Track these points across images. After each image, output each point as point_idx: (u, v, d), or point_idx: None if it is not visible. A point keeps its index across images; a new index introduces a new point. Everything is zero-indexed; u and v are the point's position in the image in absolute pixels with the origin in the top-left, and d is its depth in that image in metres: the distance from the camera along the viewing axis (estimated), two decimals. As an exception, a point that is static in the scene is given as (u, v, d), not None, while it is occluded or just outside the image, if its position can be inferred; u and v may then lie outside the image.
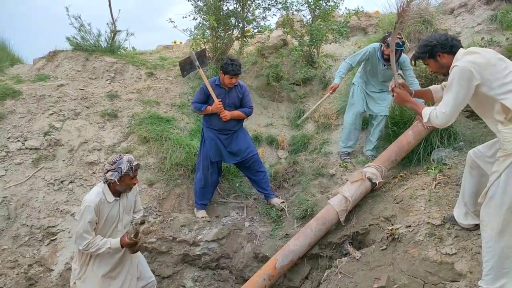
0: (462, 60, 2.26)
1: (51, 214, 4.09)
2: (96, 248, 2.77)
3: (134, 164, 2.84)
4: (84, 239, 2.74)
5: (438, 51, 2.41)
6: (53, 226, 3.99)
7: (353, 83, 4.81)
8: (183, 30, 6.39)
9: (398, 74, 4.72)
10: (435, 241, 2.91)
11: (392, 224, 3.43)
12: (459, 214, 2.87)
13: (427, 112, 2.40)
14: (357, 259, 3.29)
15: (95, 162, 4.76)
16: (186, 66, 4.58)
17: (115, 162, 2.79)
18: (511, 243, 2.10)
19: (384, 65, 4.31)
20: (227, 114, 4.14)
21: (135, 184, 2.92)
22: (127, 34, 7.00)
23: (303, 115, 6.07)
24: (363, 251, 3.35)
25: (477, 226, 2.75)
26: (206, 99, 4.23)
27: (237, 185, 4.93)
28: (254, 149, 4.43)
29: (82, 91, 5.81)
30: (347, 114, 4.86)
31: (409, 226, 3.25)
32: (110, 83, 6.25)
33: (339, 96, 6.04)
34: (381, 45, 4.23)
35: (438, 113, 2.34)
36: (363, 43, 7.26)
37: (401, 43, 4.01)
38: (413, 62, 2.72)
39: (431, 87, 2.89)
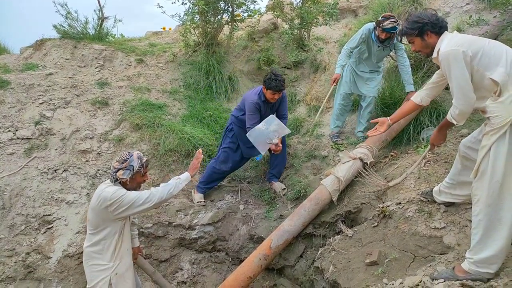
0: (449, 44, 2.27)
1: (46, 203, 4.10)
2: (169, 189, 2.78)
3: (144, 161, 2.77)
4: (145, 194, 2.68)
5: (428, 30, 2.40)
6: (49, 215, 4.01)
7: (339, 58, 4.81)
8: (172, 15, 6.31)
9: (390, 56, 4.76)
10: (424, 217, 2.99)
11: (383, 202, 3.51)
12: (436, 190, 2.98)
13: (448, 116, 2.40)
14: (350, 237, 3.37)
15: (87, 150, 4.75)
16: None
17: (125, 160, 2.68)
18: (500, 215, 2.17)
19: (379, 46, 4.32)
20: (278, 149, 3.98)
21: (145, 181, 2.87)
22: (114, 20, 6.93)
23: (295, 98, 6.11)
24: (356, 229, 3.43)
25: (449, 203, 2.91)
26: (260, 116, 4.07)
27: (231, 169, 4.97)
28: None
29: (71, 79, 5.76)
30: (336, 95, 4.91)
31: (400, 203, 3.33)
32: (99, 71, 6.20)
33: (331, 79, 6.06)
34: (376, 27, 4.22)
35: (453, 112, 2.33)
36: (354, 25, 7.25)
37: (395, 26, 4.02)
38: (399, 38, 2.72)
39: (416, 100, 2.84)
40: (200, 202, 4.36)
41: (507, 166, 2.14)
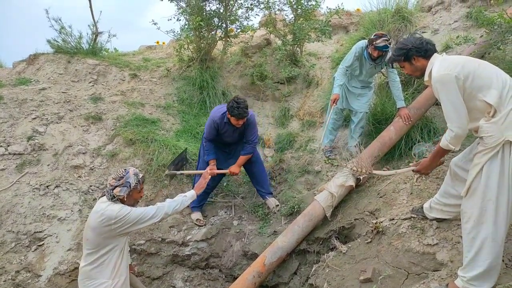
0: (440, 68, 2.32)
1: (38, 220, 4.05)
2: (176, 205, 2.88)
3: (140, 177, 2.80)
4: (151, 210, 2.77)
5: (414, 55, 2.49)
6: (40, 231, 3.96)
7: (334, 78, 4.88)
8: (167, 31, 6.37)
9: (381, 72, 4.84)
10: (417, 233, 3.01)
11: (377, 218, 3.53)
12: (427, 206, 3.01)
13: (443, 143, 2.41)
14: (344, 253, 3.37)
15: (80, 165, 4.73)
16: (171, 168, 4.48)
17: (122, 177, 2.70)
18: (492, 235, 2.19)
19: (371, 64, 4.40)
20: (235, 171, 4.13)
21: (142, 196, 2.89)
22: (109, 35, 6.95)
23: (288, 113, 6.17)
24: (349, 245, 3.44)
25: (440, 219, 2.95)
26: (216, 136, 4.16)
27: (225, 184, 4.97)
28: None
29: (64, 94, 5.75)
30: (328, 110, 4.97)
31: (393, 219, 3.35)
32: (93, 86, 6.21)
33: (323, 94, 6.15)
34: (368, 45, 4.30)
35: (448, 136, 2.35)
36: (345, 41, 7.39)
37: (387, 45, 4.10)
38: (390, 64, 2.80)
39: None
40: (199, 220, 4.31)
41: (500, 185, 2.18)
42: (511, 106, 2.18)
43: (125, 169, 2.77)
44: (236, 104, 3.78)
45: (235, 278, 3.88)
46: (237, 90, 6.54)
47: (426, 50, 2.48)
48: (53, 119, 5.13)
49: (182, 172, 4.35)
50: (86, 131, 5.18)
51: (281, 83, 6.57)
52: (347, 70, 4.54)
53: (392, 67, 2.93)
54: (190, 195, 2.97)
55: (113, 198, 2.69)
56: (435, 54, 2.50)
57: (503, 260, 2.38)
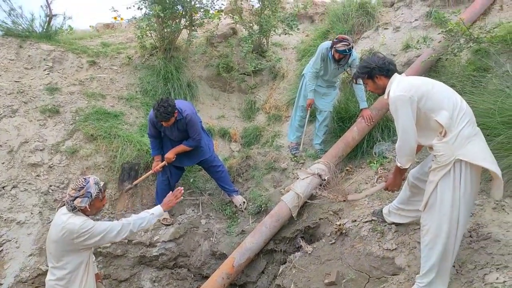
0: (397, 89, 2.46)
1: (-6, 224, 3.86)
2: (141, 223, 2.80)
3: (101, 185, 2.71)
4: (117, 226, 2.69)
5: (376, 74, 2.64)
6: (-2, 237, 3.79)
7: (303, 74, 4.95)
8: (128, 20, 6.06)
9: (346, 71, 4.96)
10: (377, 236, 3.22)
11: (340, 218, 3.72)
12: (386, 211, 3.24)
13: (397, 163, 2.60)
14: (309, 254, 3.54)
15: (38, 163, 4.51)
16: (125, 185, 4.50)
17: (82, 188, 2.61)
18: (447, 245, 2.40)
19: (334, 65, 4.48)
20: (169, 157, 4.11)
21: (104, 205, 2.81)
22: (64, 18, 6.52)
23: (255, 106, 6.19)
24: (315, 245, 3.61)
25: (398, 224, 3.18)
26: (158, 132, 4.15)
27: (191, 180, 4.96)
28: (207, 151, 4.37)
29: (17, 83, 5.38)
30: (295, 106, 5.07)
31: (355, 220, 3.55)
32: (48, 74, 5.83)
33: (289, 87, 6.21)
34: (332, 47, 4.36)
35: (397, 157, 2.57)
36: (311, 31, 7.44)
37: (347, 50, 4.19)
38: (354, 80, 2.92)
39: None
40: (166, 219, 4.30)
41: (453, 200, 2.37)
42: (461, 127, 2.36)
43: (85, 179, 2.68)
44: (157, 106, 3.73)
45: (203, 277, 3.96)
46: (203, 81, 6.43)
47: (388, 70, 2.62)
48: (6, 113, 4.81)
49: (138, 181, 4.32)
50: (43, 126, 4.91)
51: (247, 75, 6.53)
52: (317, 73, 4.62)
53: (357, 83, 3.05)
54: (158, 213, 2.89)
55: (74, 209, 2.62)
56: (395, 74, 2.63)
57: (454, 266, 2.62)
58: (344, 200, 3.66)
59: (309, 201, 3.94)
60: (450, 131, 2.37)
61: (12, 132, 4.68)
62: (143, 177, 4.33)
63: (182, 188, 3.05)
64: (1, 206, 4.02)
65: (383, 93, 2.66)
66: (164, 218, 4.31)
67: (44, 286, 2.83)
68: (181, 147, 4.15)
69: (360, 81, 4.24)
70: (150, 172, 4.26)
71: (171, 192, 3.03)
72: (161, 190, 4.33)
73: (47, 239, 2.74)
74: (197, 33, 6.37)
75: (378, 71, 2.62)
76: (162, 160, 4.20)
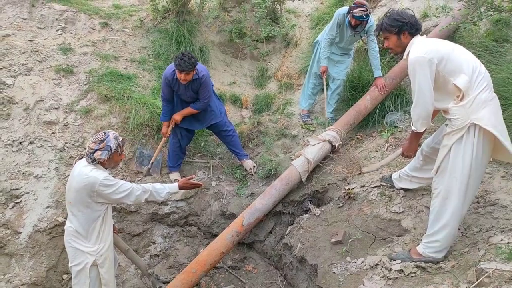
0: (417, 50, 2.41)
1: (13, 177, 3.98)
2: (158, 195, 2.95)
3: (120, 140, 2.82)
4: (137, 190, 2.83)
5: (406, 30, 2.53)
6: (17, 189, 3.91)
7: (317, 41, 4.89)
8: (141, -22, 5.96)
9: (361, 40, 4.89)
10: (385, 200, 3.29)
11: (348, 184, 3.78)
12: (396, 176, 3.26)
13: (412, 127, 2.59)
14: (317, 216, 3.64)
15: (53, 121, 4.59)
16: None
17: (102, 141, 2.72)
18: (456, 209, 2.44)
19: (351, 31, 4.42)
20: (177, 118, 4.16)
21: (122, 159, 2.95)
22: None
23: (266, 74, 6.17)
24: (322, 208, 3.70)
25: (407, 190, 3.22)
26: (172, 92, 4.15)
27: (202, 144, 5.03)
28: (218, 115, 4.37)
29: (31, 42, 5.39)
30: (308, 74, 5.04)
31: (364, 186, 3.61)
32: (61, 34, 5.83)
33: (302, 55, 6.15)
34: (349, 13, 4.29)
35: (412, 118, 2.53)
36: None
37: (365, 15, 4.12)
38: (376, 32, 2.80)
39: None
40: (178, 180, 4.38)
41: (464, 164, 2.40)
42: (479, 91, 2.35)
43: (105, 133, 2.80)
44: (181, 55, 3.74)
45: (213, 235, 4.10)
46: (215, 46, 6.39)
47: (417, 29, 2.54)
48: (21, 71, 4.85)
49: (154, 156, 4.39)
50: (58, 85, 4.96)
51: (260, 42, 6.47)
52: (332, 39, 4.55)
53: (377, 36, 2.93)
54: (173, 190, 3.03)
55: (94, 161, 2.74)
56: (418, 35, 2.58)
57: (459, 229, 2.68)
58: (360, 173, 3.75)
59: (321, 164, 4.00)
60: (467, 94, 2.35)
61: (27, 90, 4.74)
62: (157, 150, 4.38)
63: (202, 183, 3.22)
64: (19, 160, 4.14)
65: (402, 52, 2.60)
66: (176, 179, 4.41)
67: (61, 236, 2.99)
68: (188, 110, 4.17)
69: (374, 43, 4.16)
70: (163, 140, 4.32)
71: (193, 177, 3.17)
72: (172, 152, 4.41)
73: (66, 189, 2.85)
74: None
75: (409, 27, 2.51)
76: None
